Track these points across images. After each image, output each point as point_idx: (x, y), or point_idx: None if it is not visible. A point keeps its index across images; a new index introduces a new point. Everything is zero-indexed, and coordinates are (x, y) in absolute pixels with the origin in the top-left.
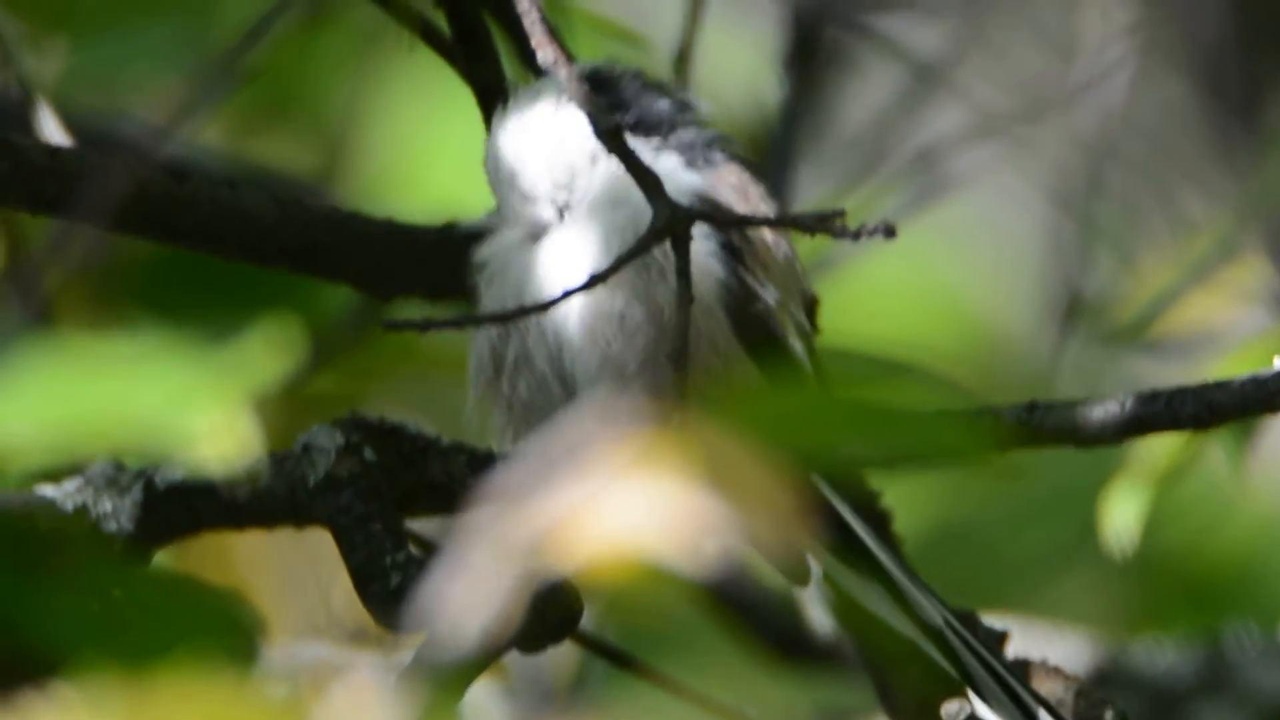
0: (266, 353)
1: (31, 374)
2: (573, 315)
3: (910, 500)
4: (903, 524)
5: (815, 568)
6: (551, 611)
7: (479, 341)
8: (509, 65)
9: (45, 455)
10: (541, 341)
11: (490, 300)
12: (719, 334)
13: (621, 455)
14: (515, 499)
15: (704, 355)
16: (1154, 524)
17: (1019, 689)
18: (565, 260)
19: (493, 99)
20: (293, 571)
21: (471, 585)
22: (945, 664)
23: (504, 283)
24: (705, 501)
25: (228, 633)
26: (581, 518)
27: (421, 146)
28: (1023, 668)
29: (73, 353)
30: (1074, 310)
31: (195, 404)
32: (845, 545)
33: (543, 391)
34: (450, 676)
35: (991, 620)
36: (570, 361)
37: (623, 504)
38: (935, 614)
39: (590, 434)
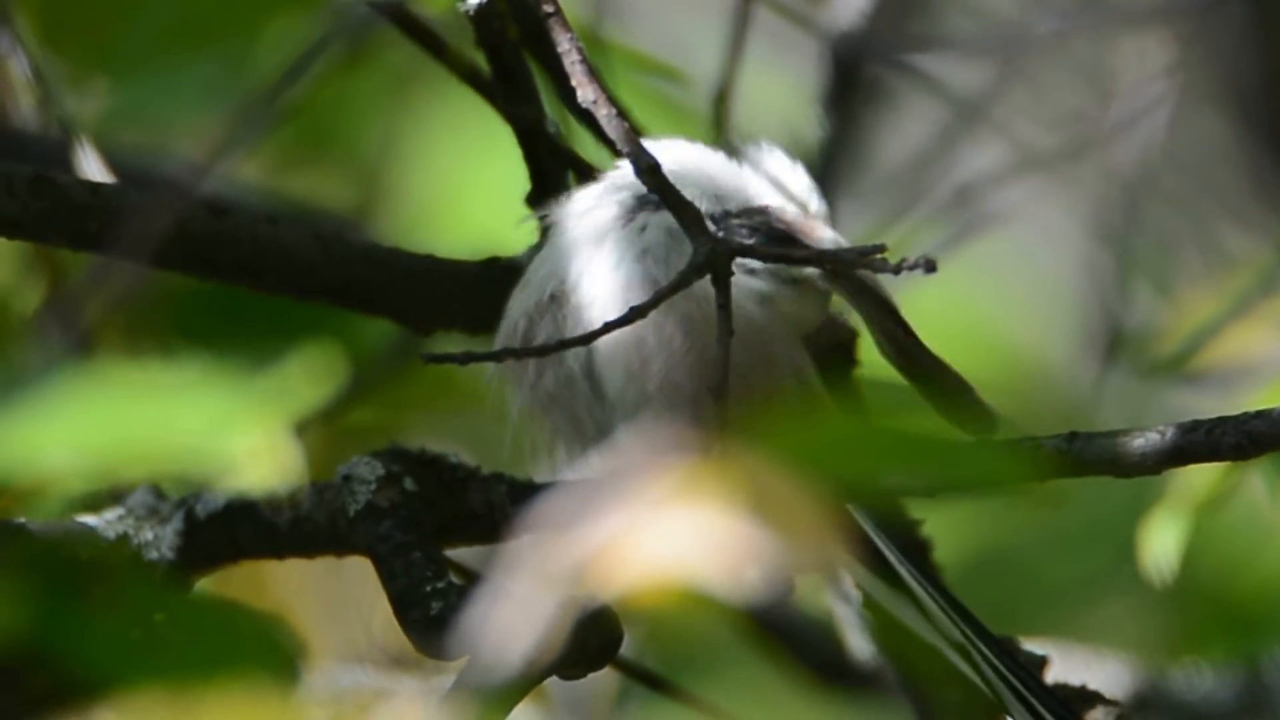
0: (306, 379)
1: (71, 401)
2: (608, 347)
3: (951, 528)
4: (943, 552)
5: (854, 593)
6: (592, 637)
7: (513, 314)
8: (548, 104)
9: (85, 481)
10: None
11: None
12: (767, 358)
13: (663, 483)
14: (557, 526)
15: (752, 379)
16: (1194, 551)
17: (1048, 712)
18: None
19: (532, 137)
20: (333, 598)
21: (513, 611)
22: (980, 682)
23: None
24: (745, 529)
25: (269, 657)
26: (623, 545)
27: (460, 184)
28: (1061, 692)
29: (112, 380)
30: (1114, 343)
31: (236, 429)
32: (883, 570)
33: (569, 388)
34: (492, 701)
35: (1031, 646)
36: (600, 372)
37: (664, 531)
38: (959, 634)
39: (632, 462)
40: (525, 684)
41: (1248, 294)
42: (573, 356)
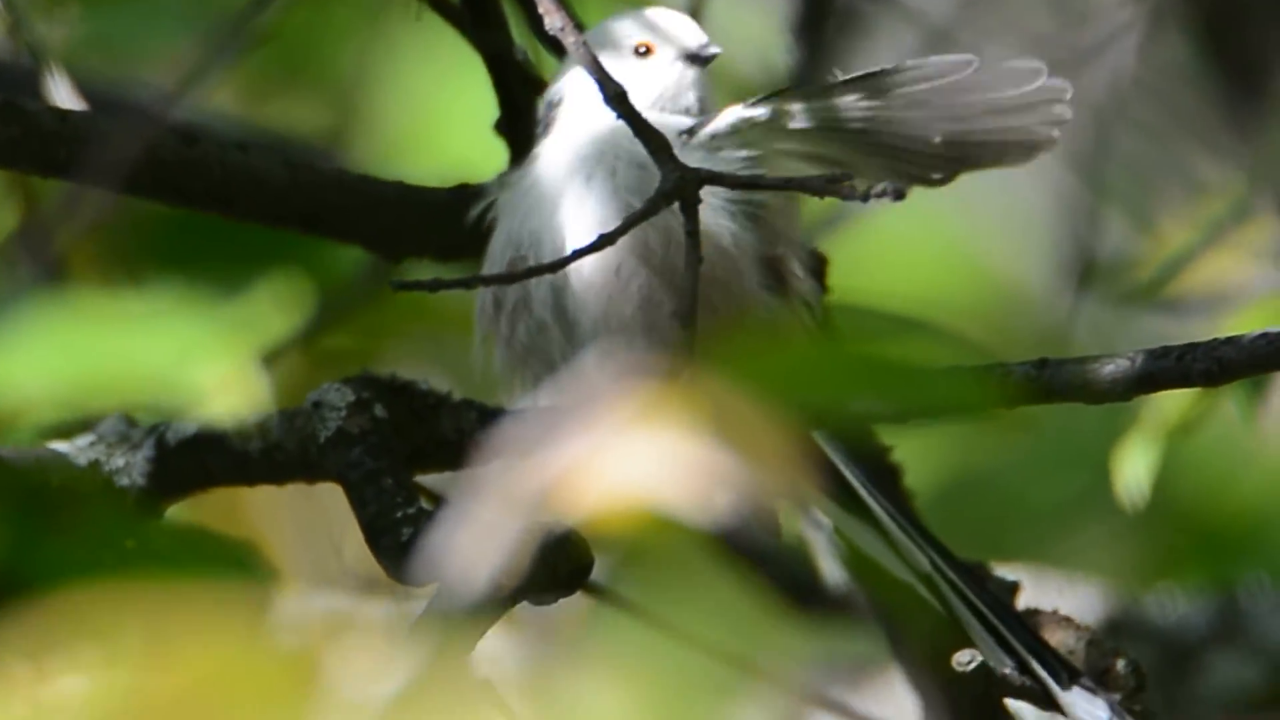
0: (276, 308)
1: (42, 330)
2: (578, 272)
3: (923, 455)
4: (915, 478)
5: (824, 519)
6: (562, 563)
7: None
8: (517, 31)
9: (56, 409)
10: (541, 287)
11: (497, 239)
12: (736, 281)
13: (629, 408)
14: (523, 451)
15: (720, 303)
16: (1167, 478)
17: (1010, 635)
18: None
19: (501, 65)
20: (304, 524)
21: (480, 535)
22: (945, 612)
23: (509, 222)
24: (710, 452)
25: (240, 581)
26: (588, 469)
27: (431, 112)
28: (1033, 618)
29: (83, 309)
30: (1087, 270)
31: (204, 358)
32: (847, 495)
33: (542, 335)
34: (461, 625)
35: (1003, 572)
36: (573, 310)
37: (629, 455)
38: (924, 560)
39: (598, 387)
40: (496, 609)
41: (1221, 221)
42: (540, 304)
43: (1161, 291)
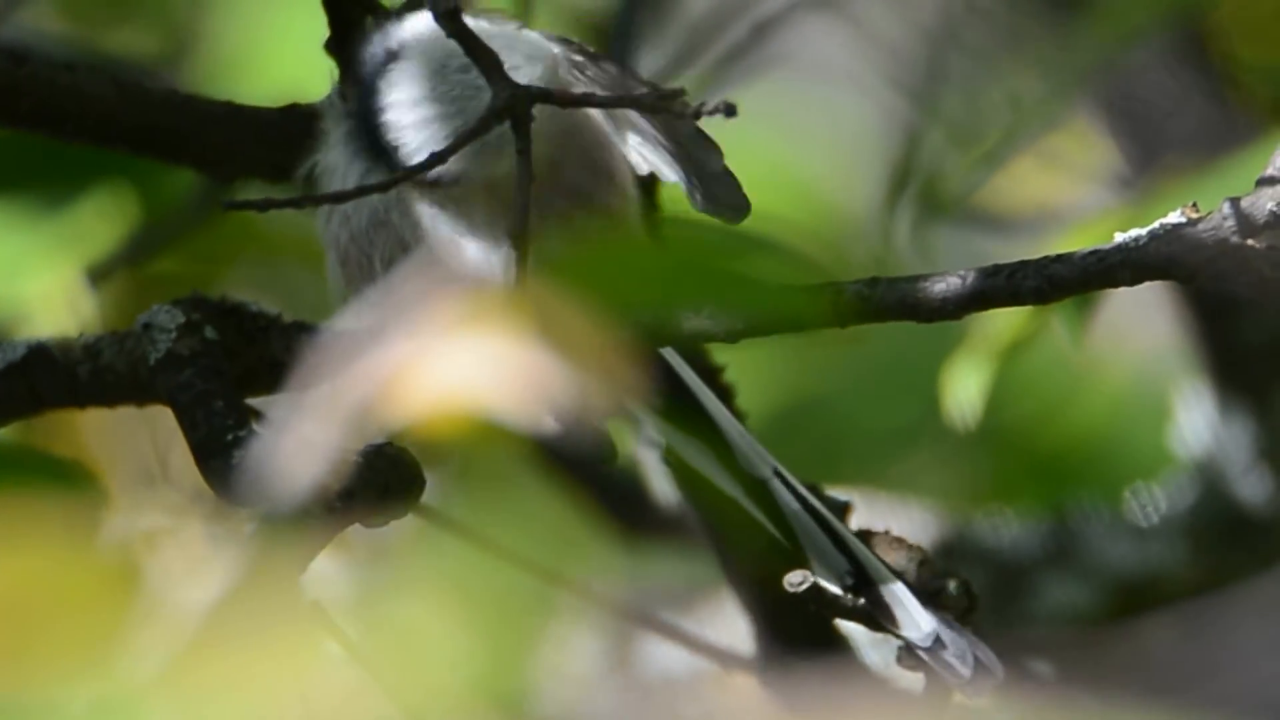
0: (101, 223)
1: None
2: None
3: (754, 377)
4: (746, 400)
5: (655, 437)
6: (393, 481)
7: (333, 232)
8: None
9: None
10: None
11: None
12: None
13: (453, 314)
14: (346, 361)
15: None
16: (998, 399)
17: (849, 540)
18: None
19: None
20: (135, 444)
21: (302, 446)
22: (772, 526)
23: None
24: (537, 358)
25: (66, 497)
26: (411, 375)
27: (263, 33)
28: (865, 538)
29: None
30: (913, 189)
31: (29, 271)
32: (675, 404)
33: (374, 251)
34: (285, 535)
35: (835, 494)
36: (402, 228)
37: (453, 361)
38: (764, 465)
39: (421, 295)
40: (326, 529)
41: (1029, 125)
42: (371, 221)
43: (969, 199)
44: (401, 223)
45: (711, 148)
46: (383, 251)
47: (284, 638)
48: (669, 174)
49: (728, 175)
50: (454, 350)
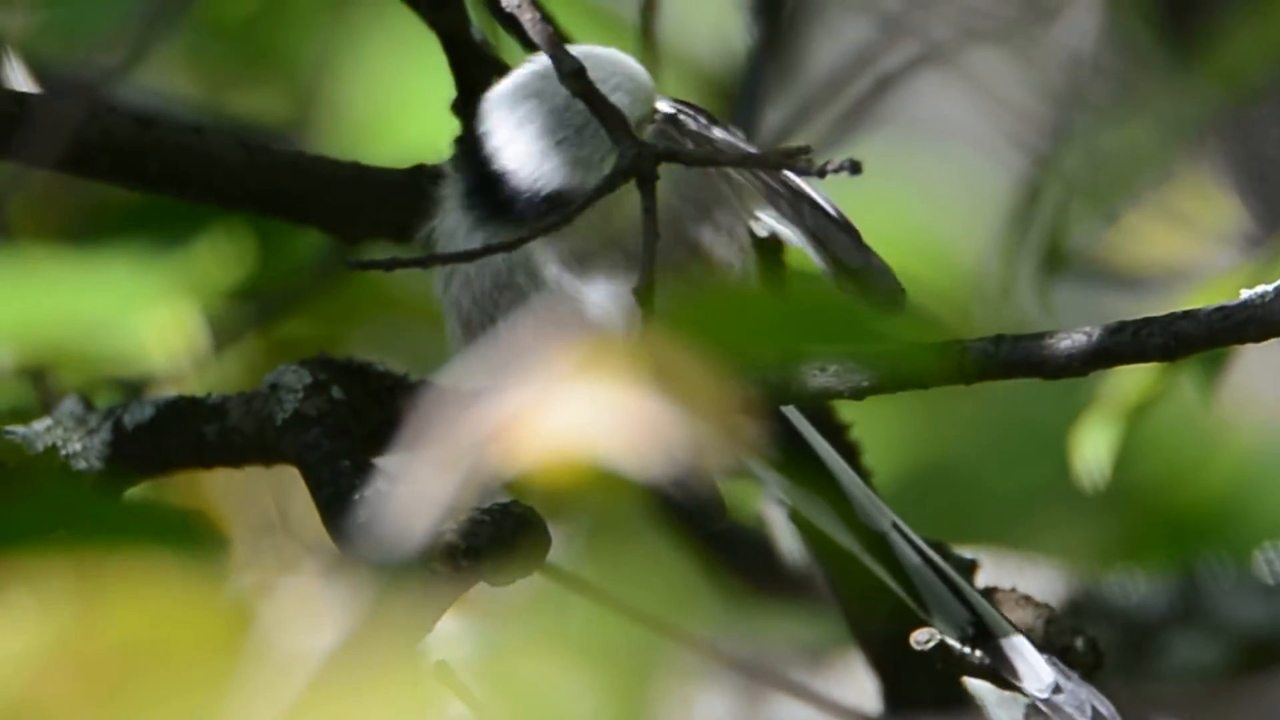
0: (217, 261)
1: None
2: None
3: (881, 435)
4: (873, 459)
5: (772, 484)
6: (520, 542)
7: (454, 295)
8: (474, 12)
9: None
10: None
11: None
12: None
13: (572, 363)
14: (465, 411)
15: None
16: (1127, 457)
17: (969, 593)
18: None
19: (457, 44)
20: (256, 497)
21: (427, 504)
22: (892, 581)
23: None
24: (655, 408)
25: (191, 551)
26: (530, 424)
27: (392, 97)
28: (991, 596)
29: (26, 267)
30: (1025, 238)
31: (144, 305)
32: (794, 458)
33: (497, 309)
34: (411, 594)
35: (962, 553)
36: (527, 285)
37: (571, 409)
38: (883, 519)
39: (539, 342)
40: (453, 589)
41: (1148, 182)
42: (494, 271)
43: (1089, 257)
44: (526, 283)
45: (846, 230)
46: (506, 313)
47: (402, 694)
48: (808, 251)
49: (881, 268)
50: (573, 400)
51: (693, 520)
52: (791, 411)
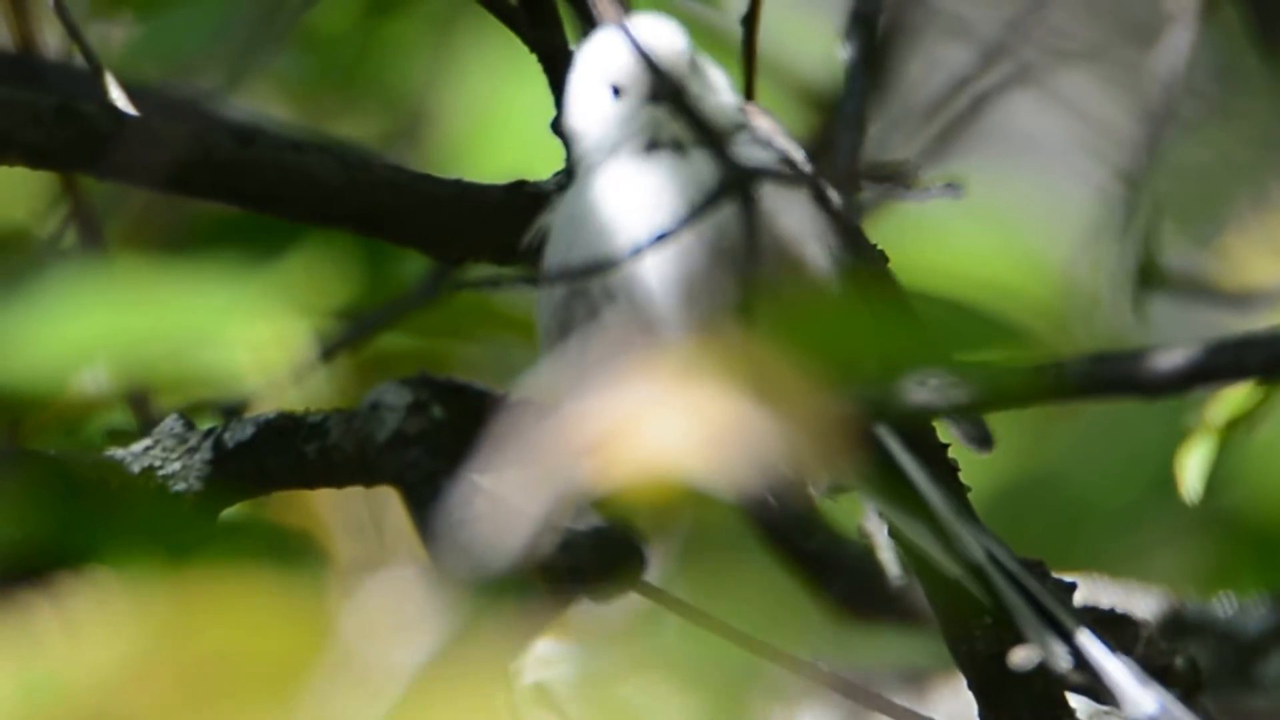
0: (315, 273)
1: (86, 299)
2: (641, 271)
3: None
4: (972, 477)
5: (871, 503)
6: (618, 561)
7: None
8: (572, 30)
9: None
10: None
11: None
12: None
13: (665, 377)
14: (558, 427)
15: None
16: (1227, 476)
17: (1066, 616)
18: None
19: (556, 64)
20: (355, 512)
21: (526, 523)
22: (990, 601)
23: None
24: (750, 422)
25: (294, 568)
26: (625, 438)
27: (492, 116)
28: (1090, 615)
29: (126, 280)
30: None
31: (244, 316)
32: (889, 476)
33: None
34: (508, 613)
35: (1060, 575)
36: (629, 306)
37: (665, 424)
38: (976, 547)
39: (633, 357)
40: (551, 608)
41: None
42: (597, 301)
43: (1187, 275)
44: (623, 300)
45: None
46: (600, 330)
47: (493, 712)
48: None
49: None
50: (667, 414)
51: (787, 537)
52: (886, 431)
